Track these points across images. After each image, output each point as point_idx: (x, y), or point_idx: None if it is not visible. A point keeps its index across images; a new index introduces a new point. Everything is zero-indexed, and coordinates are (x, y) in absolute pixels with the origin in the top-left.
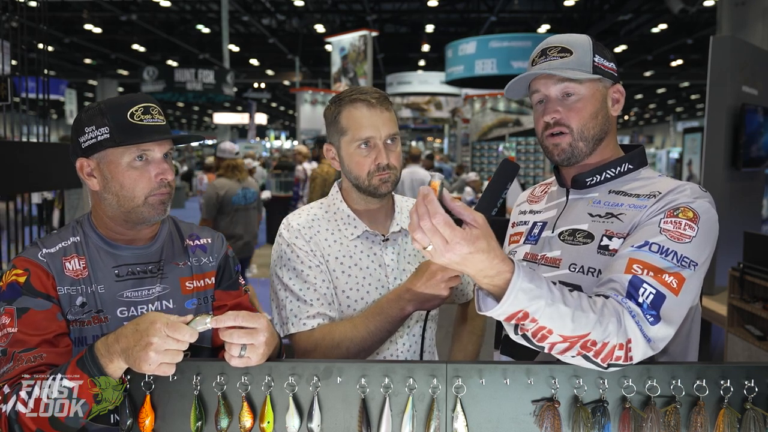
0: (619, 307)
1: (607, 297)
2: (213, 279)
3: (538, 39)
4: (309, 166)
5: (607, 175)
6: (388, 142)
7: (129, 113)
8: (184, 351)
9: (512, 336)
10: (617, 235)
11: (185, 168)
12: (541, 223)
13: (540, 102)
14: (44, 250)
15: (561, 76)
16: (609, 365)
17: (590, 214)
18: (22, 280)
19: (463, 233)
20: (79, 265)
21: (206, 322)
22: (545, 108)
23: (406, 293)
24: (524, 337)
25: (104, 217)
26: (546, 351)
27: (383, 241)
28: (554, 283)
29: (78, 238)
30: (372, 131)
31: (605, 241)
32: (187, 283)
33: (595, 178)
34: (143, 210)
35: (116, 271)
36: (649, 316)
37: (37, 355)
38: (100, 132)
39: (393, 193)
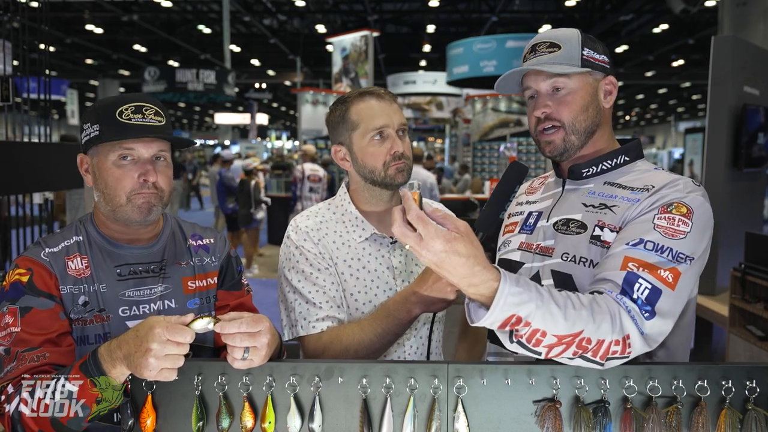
0: (614, 305)
1: (601, 293)
2: (215, 279)
3: (502, 40)
4: (309, 167)
5: (604, 167)
6: (400, 133)
7: (118, 111)
8: (185, 354)
9: (508, 345)
10: (609, 227)
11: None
12: (536, 213)
13: (532, 97)
14: (47, 250)
15: (549, 72)
16: (607, 359)
17: (584, 204)
18: (25, 279)
19: (437, 229)
20: (82, 265)
21: (208, 325)
22: (536, 103)
23: (412, 296)
24: (520, 344)
25: (101, 216)
26: (544, 356)
27: (391, 243)
28: (541, 284)
29: (81, 237)
30: (385, 119)
31: (597, 232)
32: (189, 283)
33: (591, 169)
34: (127, 209)
35: (118, 271)
36: (644, 312)
37: (40, 354)
38: (93, 129)
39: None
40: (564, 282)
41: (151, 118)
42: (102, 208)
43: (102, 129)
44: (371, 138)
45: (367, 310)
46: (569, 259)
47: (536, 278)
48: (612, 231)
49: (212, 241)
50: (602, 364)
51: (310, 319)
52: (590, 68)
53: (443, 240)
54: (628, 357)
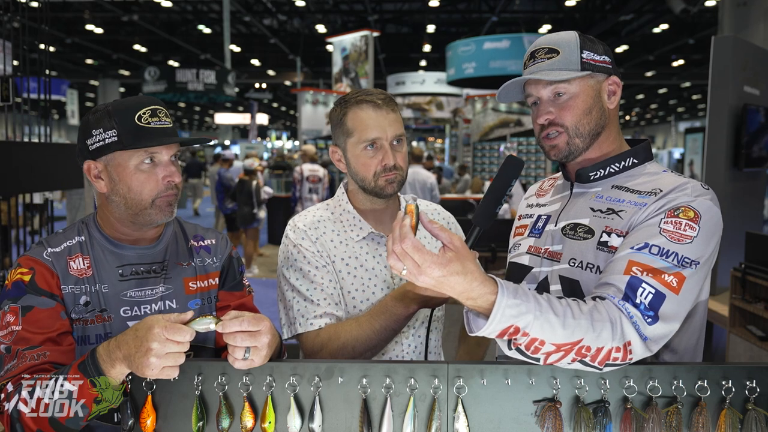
0: (615, 311)
1: (603, 299)
2: (217, 280)
3: (479, 42)
4: (308, 167)
5: (611, 170)
6: (394, 143)
7: (137, 116)
8: (185, 352)
9: (506, 352)
10: (616, 232)
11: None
12: (545, 217)
13: (535, 104)
14: (49, 249)
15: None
16: (606, 365)
17: (592, 209)
18: (26, 278)
19: (434, 257)
20: (84, 265)
21: (209, 325)
22: (539, 110)
23: (409, 292)
24: (518, 350)
25: (110, 218)
26: (542, 363)
27: None
28: (541, 293)
29: (83, 237)
30: (378, 132)
31: (605, 237)
32: (190, 284)
33: (599, 173)
34: (151, 212)
35: (120, 271)
36: (647, 317)
37: (40, 353)
38: (107, 135)
39: (399, 193)
40: (572, 288)
41: (165, 120)
42: (118, 212)
43: (122, 135)
44: (364, 148)
45: (365, 308)
46: (576, 264)
47: (545, 283)
48: (619, 236)
49: (214, 241)
50: (600, 369)
51: (308, 317)
52: (591, 71)
53: (439, 266)
54: (628, 362)
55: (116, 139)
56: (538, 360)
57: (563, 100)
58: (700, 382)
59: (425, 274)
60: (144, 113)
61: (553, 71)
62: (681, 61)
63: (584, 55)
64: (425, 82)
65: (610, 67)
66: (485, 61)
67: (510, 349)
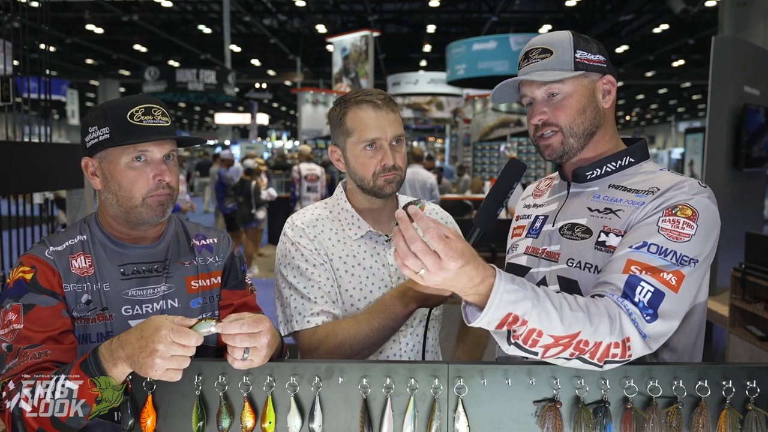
0: (615, 308)
1: (602, 296)
2: (219, 278)
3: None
4: (306, 166)
5: (608, 169)
6: (394, 143)
7: (129, 114)
8: (190, 355)
9: (505, 348)
10: (614, 231)
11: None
12: (542, 217)
13: (529, 104)
14: (51, 248)
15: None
16: (606, 362)
17: (589, 209)
18: (28, 277)
19: (452, 247)
20: (85, 263)
21: (210, 328)
22: (533, 111)
23: (409, 290)
24: (517, 345)
25: (107, 217)
26: (540, 357)
27: (387, 241)
28: (538, 285)
29: (85, 236)
30: (378, 132)
31: (602, 237)
32: (192, 283)
33: (595, 172)
34: (141, 211)
35: (122, 270)
36: (646, 315)
37: (41, 351)
38: (101, 132)
39: (397, 193)
40: (570, 288)
41: (160, 119)
42: (112, 210)
43: (113, 132)
44: (363, 147)
45: (362, 306)
46: (574, 264)
47: (543, 284)
48: (617, 235)
49: (216, 240)
50: (600, 366)
51: (305, 314)
52: (584, 70)
53: (458, 256)
54: (628, 360)
55: (108, 136)
56: (536, 354)
57: (557, 100)
58: (700, 383)
59: (445, 268)
60: (137, 111)
61: (546, 71)
62: (681, 61)
63: (578, 55)
64: (418, 82)
65: (605, 66)
66: (474, 62)
67: (509, 344)
